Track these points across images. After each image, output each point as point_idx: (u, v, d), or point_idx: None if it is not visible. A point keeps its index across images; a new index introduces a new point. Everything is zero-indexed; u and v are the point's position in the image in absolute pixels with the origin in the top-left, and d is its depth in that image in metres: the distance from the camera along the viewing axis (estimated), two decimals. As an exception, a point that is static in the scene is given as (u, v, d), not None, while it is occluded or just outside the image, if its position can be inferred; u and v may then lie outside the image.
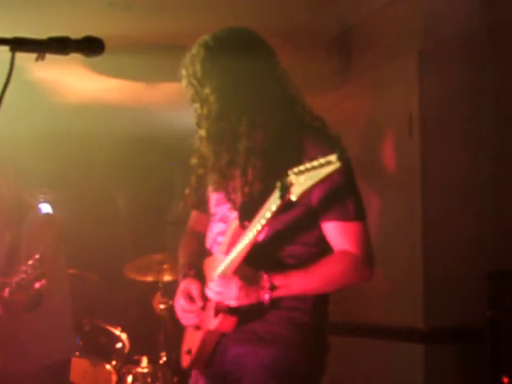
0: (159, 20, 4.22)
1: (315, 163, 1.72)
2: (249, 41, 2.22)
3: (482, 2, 3.66)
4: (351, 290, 3.87)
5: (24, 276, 2.90)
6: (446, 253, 3.44)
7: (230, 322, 2.07)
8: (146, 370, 4.83)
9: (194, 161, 2.22)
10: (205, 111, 2.11)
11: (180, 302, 2.18)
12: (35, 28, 3.09)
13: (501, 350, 3.08)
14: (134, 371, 4.82)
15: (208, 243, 2.27)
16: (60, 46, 1.46)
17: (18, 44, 1.41)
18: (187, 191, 2.32)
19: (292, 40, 4.47)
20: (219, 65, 2.11)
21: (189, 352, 2.25)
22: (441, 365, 3.36)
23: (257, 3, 4.12)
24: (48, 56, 1.49)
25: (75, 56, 1.58)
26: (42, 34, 1.51)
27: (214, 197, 2.25)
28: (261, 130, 2.07)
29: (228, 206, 2.17)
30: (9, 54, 1.43)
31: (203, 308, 2.14)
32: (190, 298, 2.17)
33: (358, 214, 2.11)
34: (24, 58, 1.51)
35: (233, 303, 2.00)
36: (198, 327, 2.19)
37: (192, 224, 2.49)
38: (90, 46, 1.51)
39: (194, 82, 2.12)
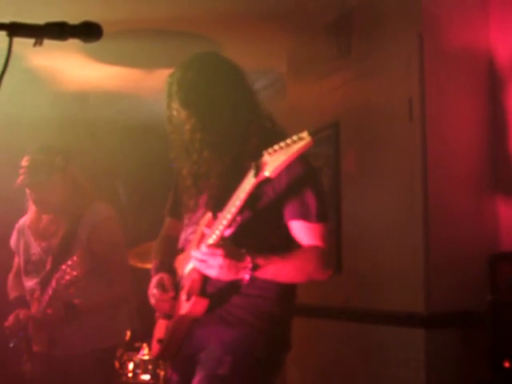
0: (158, 5, 4.19)
1: (288, 141, 1.83)
2: (215, 64, 2.35)
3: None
4: (352, 275, 3.91)
5: (61, 275, 3.00)
6: (447, 237, 3.43)
7: (201, 305, 2.16)
8: (146, 357, 4.84)
9: (188, 182, 2.32)
10: (205, 136, 2.23)
11: (153, 292, 2.30)
12: (33, 13, 3.07)
13: (502, 334, 3.09)
14: (135, 358, 4.83)
15: (181, 243, 2.40)
16: (58, 31, 1.45)
17: (15, 29, 1.40)
18: (170, 201, 2.57)
19: (291, 24, 4.44)
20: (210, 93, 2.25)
21: (160, 341, 2.36)
22: (442, 349, 3.36)
23: (254, -14, 4.09)
24: (46, 42, 1.48)
25: (73, 43, 1.57)
26: (39, 20, 1.50)
27: (191, 202, 2.36)
28: (236, 145, 2.23)
29: (203, 210, 2.28)
30: (6, 41, 1.42)
31: (175, 297, 2.26)
32: (163, 288, 2.29)
33: (321, 216, 2.20)
34: (22, 46, 1.50)
35: (213, 274, 2.06)
36: (169, 317, 2.29)
37: (166, 229, 2.63)
38: (88, 32, 1.50)
39: (198, 110, 2.25)
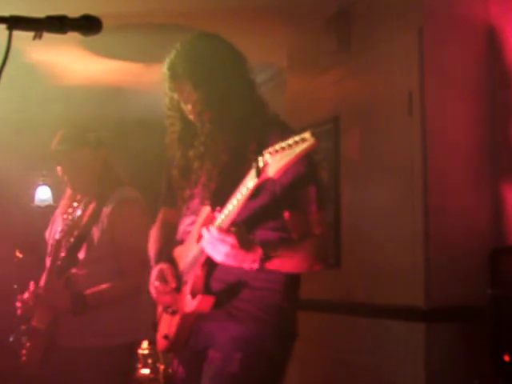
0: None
1: (290, 141, 1.77)
2: (219, 47, 2.34)
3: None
4: (351, 269, 3.91)
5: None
6: (448, 230, 3.43)
7: (207, 303, 2.12)
8: (146, 352, 4.85)
9: (186, 168, 2.30)
10: (215, 116, 2.20)
11: (155, 285, 2.27)
12: (32, 6, 3.06)
13: (503, 328, 3.09)
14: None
15: (179, 235, 2.36)
16: (57, 24, 1.44)
17: (15, 22, 1.39)
18: (163, 191, 2.52)
19: (291, 18, 4.44)
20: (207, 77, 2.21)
21: (166, 337, 2.31)
22: (442, 343, 3.36)
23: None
24: (45, 36, 1.47)
25: (73, 37, 1.57)
26: (39, 13, 1.49)
27: (186, 192, 2.32)
28: (233, 133, 2.19)
29: (199, 199, 2.24)
30: (5, 34, 1.41)
31: (177, 289, 2.21)
32: (164, 280, 2.25)
33: (320, 206, 2.19)
34: (21, 40, 1.50)
35: (218, 258, 2.02)
36: (174, 312, 2.25)
37: (162, 218, 2.58)
38: (88, 25, 1.49)
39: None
